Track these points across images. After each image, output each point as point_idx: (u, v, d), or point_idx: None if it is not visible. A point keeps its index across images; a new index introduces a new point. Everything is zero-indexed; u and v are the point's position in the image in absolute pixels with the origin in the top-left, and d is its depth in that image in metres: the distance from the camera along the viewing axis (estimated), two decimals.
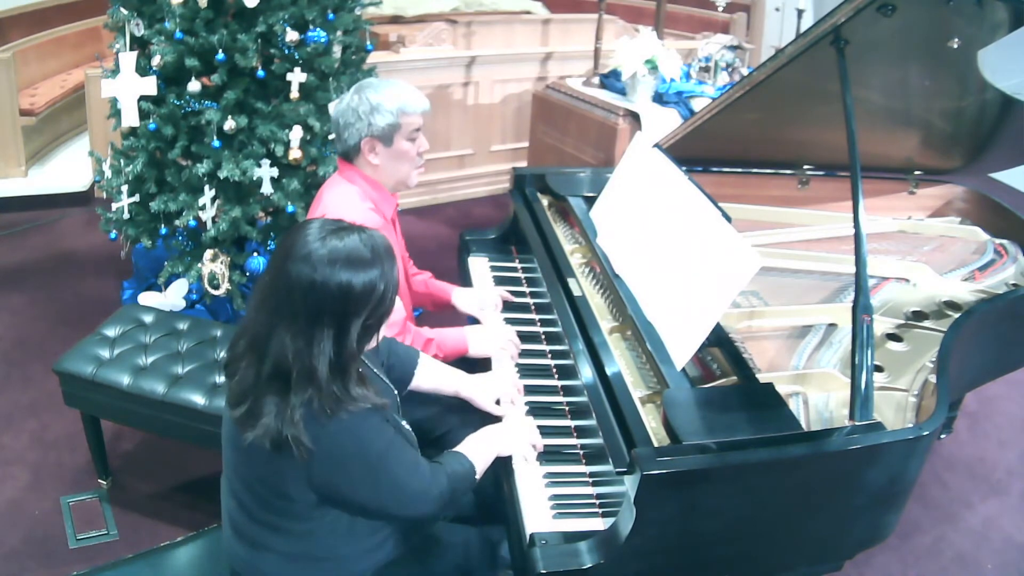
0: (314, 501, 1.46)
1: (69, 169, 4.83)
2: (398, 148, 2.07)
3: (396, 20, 5.13)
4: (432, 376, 1.93)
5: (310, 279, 1.34)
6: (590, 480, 1.71)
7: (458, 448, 1.69)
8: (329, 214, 2.02)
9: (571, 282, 2.12)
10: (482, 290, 2.41)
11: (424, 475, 1.53)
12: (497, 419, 1.88)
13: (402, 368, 1.88)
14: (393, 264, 1.42)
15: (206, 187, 3.02)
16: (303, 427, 1.36)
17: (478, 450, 1.69)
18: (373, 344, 1.48)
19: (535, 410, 1.91)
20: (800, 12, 4.50)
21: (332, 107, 3.10)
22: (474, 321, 2.36)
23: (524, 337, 2.17)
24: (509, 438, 1.76)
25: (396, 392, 1.75)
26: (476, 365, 2.13)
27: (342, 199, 2.06)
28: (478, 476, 1.66)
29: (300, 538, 1.51)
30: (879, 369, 1.96)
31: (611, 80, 4.24)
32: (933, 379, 1.83)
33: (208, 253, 3.09)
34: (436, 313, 2.53)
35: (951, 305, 2.25)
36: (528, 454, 1.75)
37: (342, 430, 1.39)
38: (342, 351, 1.37)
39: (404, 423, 1.64)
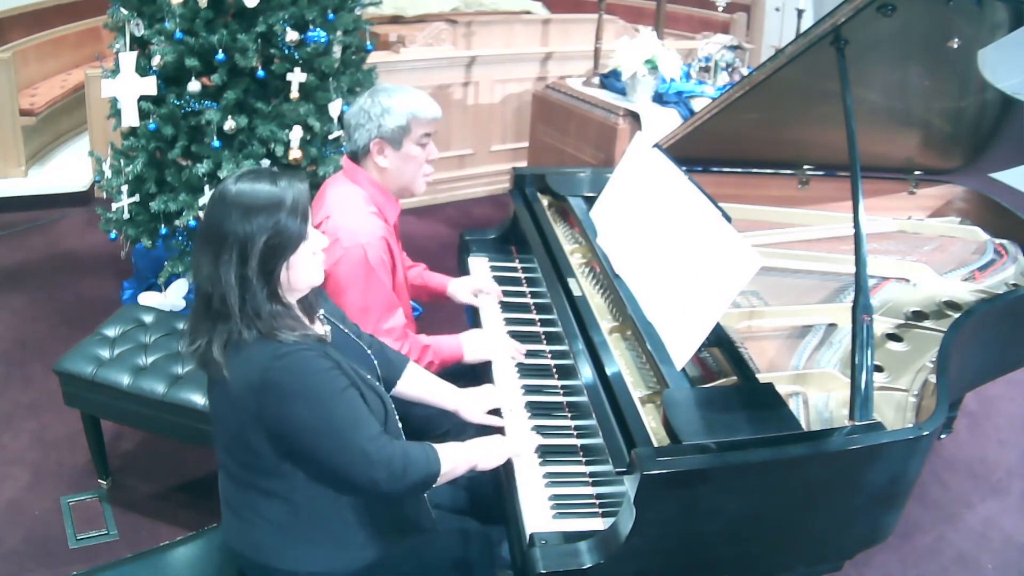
0: (272, 450, 1.49)
1: (69, 169, 4.83)
2: (407, 152, 2.07)
3: (396, 20, 5.13)
4: (421, 386, 1.93)
5: (219, 218, 1.46)
6: (590, 480, 1.71)
7: (440, 445, 1.66)
8: (332, 214, 2.03)
9: (571, 282, 2.12)
10: (476, 277, 2.42)
11: (375, 439, 1.52)
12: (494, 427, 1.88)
13: (389, 370, 1.88)
14: (299, 210, 1.48)
15: (206, 187, 3.02)
16: (226, 352, 1.47)
17: (455, 456, 1.66)
18: (293, 286, 1.52)
19: (535, 410, 1.91)
20: (800, 12, 4.50)
21: (333, 107, 3.11)
22: (471, 310, 2.36)
23: (524, 337, 2.17)
24: (498, 452, 1.73)
25: (378, 369, 1.77)
26: (479, 374, 2.13)
27: (346, 201, 2.06)
28: (441, 479, 1.62)
29: (281, 501, 1.54)
30: (879, 369, 1.96)
31: (611, 80, 4.24)
32: (933, 379, 1.83)
33: None
34: (435, 308, 2.53)
35: (951, 305, 2.25)
36: (525, 453, 1.75)
37: (286, 367, 1.45)
38: (243, 279, 1.45)
39: (381, 387, 1.67)
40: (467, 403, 1.92)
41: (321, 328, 1.63)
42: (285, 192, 1.47)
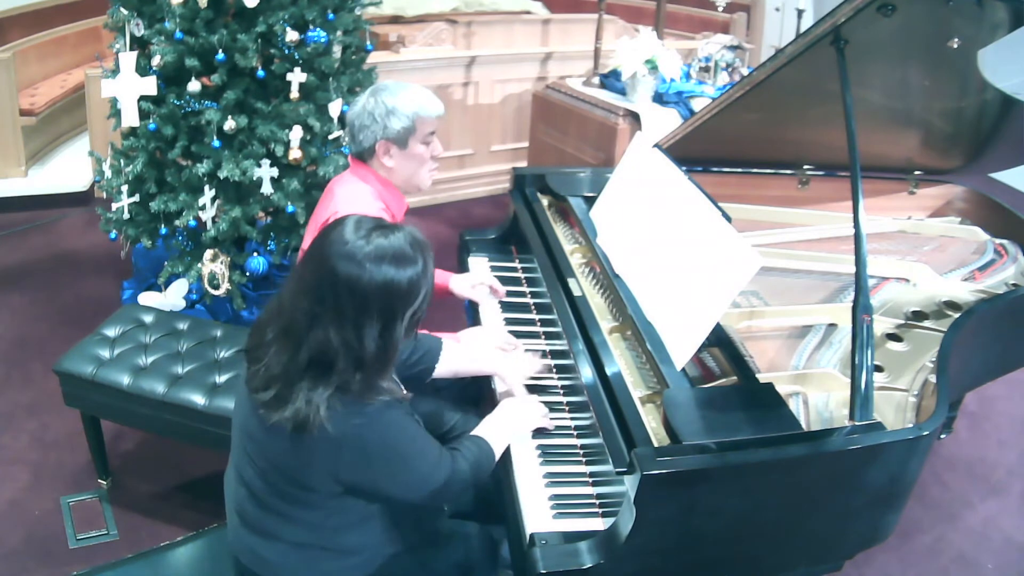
0: (335, 492, 1.49)
1: (69, 169, 4.83)
2: (412, 151, 2.09)
3: (396, 20, 5.13)
4: (458, 362, 1.95)
5: (357, 276, 1.37)
6: (590, 480, 1.71)
7: (474, 432, 1.74)
8: (340, 210, 2.02)
9: (571, 282, 2.12)
10: (476, 273, 2.42)
11: (446, 465, 1.58)
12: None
13: (429, 358, 1.90)
14: (432, 258, 1.48)
15: (206, 187, 3.02)
16: (329, 413, 1.40)
17: (494, 431, 1.74)
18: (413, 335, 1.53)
19: None
20: (800, 12, 4.51)
21: (333, 107, 3.11)
22: (471, 310, 2.36)
23: (524, 337, 2.17)
24: (522, 416, 1.80)
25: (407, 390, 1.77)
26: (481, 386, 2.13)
27: (355, 198, 2.07)
28: (497, 456, 1.71)
29: (310, 528, 1.53)
30: (879, 369, 1.96)
31: (611, 80, 4.24)
32: (933, 379, 1.83)
33: (208, 253, 3.09)
34: (434, 306, 2.53)
35: (951, 305, 2.25)
36: (544, 424, 1.82)
37: (369, 424, 1.43)
38: (388, 342, 1.42)
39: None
40: (507, 368, 1.93)
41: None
42: (416, 237, 1.45)
